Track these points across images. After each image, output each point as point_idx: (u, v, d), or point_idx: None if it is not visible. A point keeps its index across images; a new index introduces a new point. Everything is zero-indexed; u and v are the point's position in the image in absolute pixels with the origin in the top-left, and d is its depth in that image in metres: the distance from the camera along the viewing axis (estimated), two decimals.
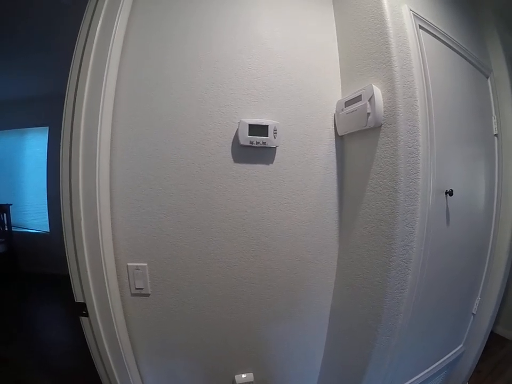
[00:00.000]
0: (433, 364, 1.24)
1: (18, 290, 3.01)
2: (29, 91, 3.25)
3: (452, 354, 1.32)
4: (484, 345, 1.45)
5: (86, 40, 0.85)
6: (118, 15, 0.86)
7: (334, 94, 1.06)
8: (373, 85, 0.87)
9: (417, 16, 0.93)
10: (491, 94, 1.29)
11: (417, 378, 1.17)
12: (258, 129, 0.95)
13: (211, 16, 0.97)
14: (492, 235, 1.33)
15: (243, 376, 1.12)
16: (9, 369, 1.73)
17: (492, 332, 1.47)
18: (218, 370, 1.11)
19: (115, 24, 0.86)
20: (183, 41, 0.95)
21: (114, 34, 0.86)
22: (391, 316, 0.90)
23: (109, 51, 0.85)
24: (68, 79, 0.86)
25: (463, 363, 1.45)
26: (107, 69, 0.85)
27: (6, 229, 3.40)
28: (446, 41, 1.04)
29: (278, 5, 1.03)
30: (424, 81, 0.91)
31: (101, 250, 0.86)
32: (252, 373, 1.13)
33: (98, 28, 0.84)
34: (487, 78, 1.29)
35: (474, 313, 1.36)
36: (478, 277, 1.34)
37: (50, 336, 2.14)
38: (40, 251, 3.43)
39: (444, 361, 1.28)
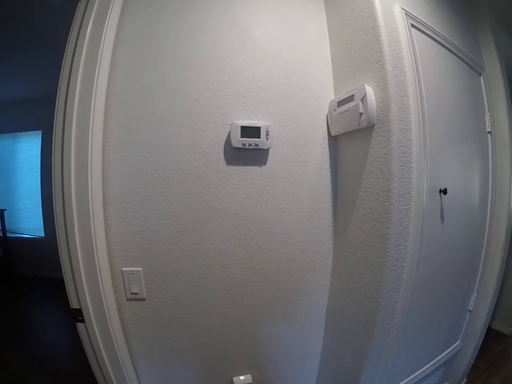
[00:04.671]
0: (431, 361, 1.24)
1: (15, 295, 2.99)
2: (20, 94, 3.22)
3: (449, 351, 1.33)
4: (481, 341, 1.46)
5: (76, 41, 0.84)
6: (108, 17, 0.85)
7: (327, 94, 1.06)
8: (365, 85, 0.86)
9: (409, 15, 0.93)
10: (484, 92, 1.30)
11: (415, 376, 1.18)
12: (251, 131, 0.95)
13: (205, 17, 0.96)
14: (486, 232, 1.34)
15: (241, 378, 1.12)
16: (6, 372, 1.72)
17: (488, 327, 1.48)
18: (216, 373, 1.11)
19: (105, 26, 0.85)
20: (176, 42, 0.94)
21: (105, 36, 0.85)
22: (387, 315, 0.91)
23: (100, 53, 0.84)
24: (58, 82, 0.85)
25: (461, 359, 1.46)
26: (98, 71, 0.84)
27: (1, 234, 3.37)
28: (438, 39, 1.04)
29: (270, 6, 1.02)
30: (416, 80, 0.91)
31: (95, 256, 0.85)
32: (250, 375, 1.13)
33: (88, 30, 0.83)
34: (480, 75, 1.29)
35: (471, 309, 1.37)
36: (473, 274, 1.34)
37: (47, 339, 2.13)
38: (36, 256, 3.40)
39: (441, 358, 1.28)
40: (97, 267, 0.86)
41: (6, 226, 3.42)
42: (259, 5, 1.01)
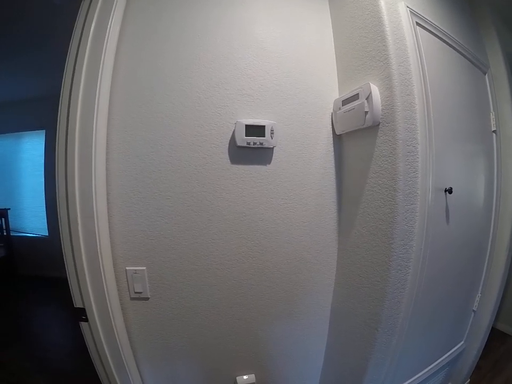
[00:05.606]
0: (434, 362, 1.24)
1: (15, 295, 3.00)
2: (21, 94, 3.23)
3: (453, 352, 1.32)
4: (485, 342, 1.45)
5: (80, 41, 0.84)
6: (111, 16, 0.85)
7: (331, 92, 1.06)
8: (370, 83, 0.86)
9: (414, 13, 0.93)
10: (489, 90, 1.29)
11: (419, 376, 1.17)
12: (255, 130, 0.94)
13: (205, 17, 0.96)
14: (491, 231, 1.33)
15: (245, 377, 1.11)
16: (6, 372, 1.72)
17: (492, 327, 1.47)
18: (219, 372, 1.11)
19: (109, 25, 0.85)
20: (178, 41, 0.94)
21: (109, 35, 0.85)
22: (391, 315, 0.90)
23: (103, 52, 0.84)
24: (62, 82, 0.85)
25: (464, 360, 1.45)
26: (101, 70, 0.83)
27: (5, 233, 3.39)
28: (443, 38, 1.04)
29: (273, 5, 1.02)
30: (422, 78, 0.90)
31: (99, 255, 0.85)
32: (253, 374, 1.12)
33: (92, 29, 0.83)
34: (485, 74, 1.28)
35: (475, 309, 1.36)
36: (478, 274, 1.33)
37: (47, 339, 2.13)
38: (40, 255, 3.42)
39: (445, 358, 1.28)
40: (101, 266, 0.86)
41: (10, 225, 3.44)
42: (260, 5, 1.01)
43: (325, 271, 1.11)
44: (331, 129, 1.06)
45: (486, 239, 1.33)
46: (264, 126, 0.95)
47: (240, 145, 0.95)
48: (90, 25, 0.83)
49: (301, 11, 1.05)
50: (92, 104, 0.82)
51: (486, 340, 1.45)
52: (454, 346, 1.33)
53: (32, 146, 3.50)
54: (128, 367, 0.95)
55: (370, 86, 0.85)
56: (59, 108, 0.84)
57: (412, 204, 0.85)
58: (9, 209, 3.46)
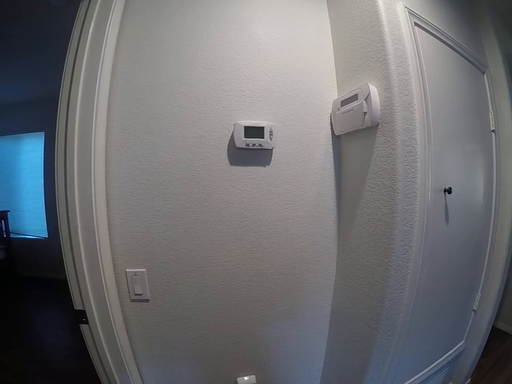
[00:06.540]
0: (435, 361, 1.24)
1: (17, 296, 3.00)
2: (23, 95, 3.23)
3: (454, 351, 1.32)
4: (485, 341, 1.46)
5: (78, 43, 0.84)
6: (110, 18, 0.85)
7: (330, 93, 1.05)
8: (369, 84, 0.86)
9: (412, 13, 0.93)
10: (487, 90, 1.29)
11: (420, 376, 1.17)
12: (254, 131, 0.94)
13: (205, 17, 0.96)
14: (491, 231, 1.33)
15: (245, 378, 1.11)
16: (8, 374, 1.72)
17: (492, 327, 1.47)
18: (220, 374, 1.11)
19: (107, 27, 0.85)
20: (177, 42, 0.94)
21: (107, 37, 0.85)
22: (391, 316, 0.90)
23: (102, 54, 0.84)
24: (61, 83, 0.85)
25: (465, 359, 1.45)
26: (100, 72, 0.83)
27: (5, 235, 3.39)
28: (442, 38, 1.04)
29: (272, 5, 1.02)
30: (420, 79, 0.90)
31: (99, 257, 0.85)
32: (254, 375, 1.12)
33: (90, 30, 0.83)
34: (483, 74, 1.28)
35: (475, 309, 1.36)
36: (478, 273, 1.33)
37: (48, 341, 2.13)
38: (39, 257, 3.42)
39: (445, 358, 1.28)
40: (101, 268, 0.86)
41: (10, 227, 3.43)
42: (260, 5, 1.01)
43: (325, 272, 1.11)
44: (330, 130, 1.06)
45: (486, 238, 1.33)
46: (263, 127, 0.95)
47: (239, 146, 0.95)
48: (89, 26, 0.83)
49: (300, 12, 1.05)
50: (90, 105, 0.82)
51: (486, 339, 1.45)
52: (454, 346, 1.33)
53: (31, 148, 3.50)
54: (128, 368, 0.95)
55: (369, 87, 0.85)
56: (58, 110, 0.84)
57: (411, 204, 0.85)
58: (9, 211, 3.46)
